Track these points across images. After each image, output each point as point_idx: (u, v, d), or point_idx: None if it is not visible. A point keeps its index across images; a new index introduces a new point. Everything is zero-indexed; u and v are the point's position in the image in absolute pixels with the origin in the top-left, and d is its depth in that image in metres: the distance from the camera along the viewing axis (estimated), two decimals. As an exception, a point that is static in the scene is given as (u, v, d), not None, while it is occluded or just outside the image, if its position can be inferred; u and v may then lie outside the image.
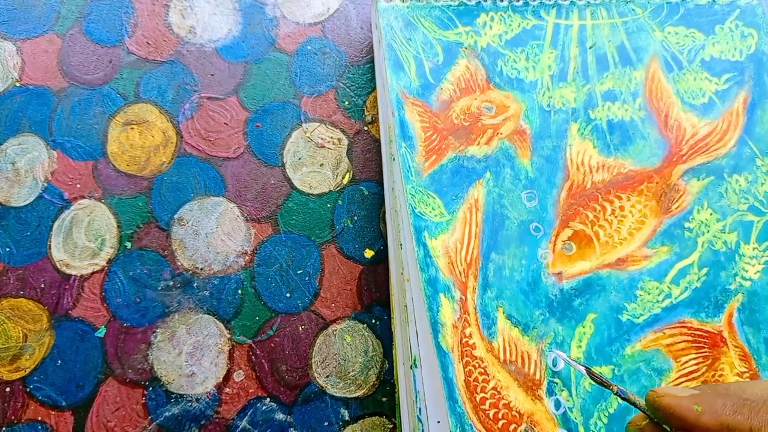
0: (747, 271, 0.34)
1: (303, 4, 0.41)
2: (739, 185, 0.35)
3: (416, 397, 0.31)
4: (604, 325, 0.33)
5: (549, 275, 0.33)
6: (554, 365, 0.32)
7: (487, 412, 0.30)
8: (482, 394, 0.30)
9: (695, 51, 0.38)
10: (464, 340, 0.31)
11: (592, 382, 0.30)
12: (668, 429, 0.25)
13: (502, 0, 0.37)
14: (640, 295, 0.33)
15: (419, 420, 0.30)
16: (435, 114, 0.35)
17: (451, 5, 0.37)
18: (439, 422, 0.30)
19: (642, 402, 0.27)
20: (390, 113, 0.35)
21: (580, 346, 0.32)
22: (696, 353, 0.32)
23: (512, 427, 0.30)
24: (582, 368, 0.29)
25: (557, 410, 0.31)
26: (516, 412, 0.30)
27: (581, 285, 0.33)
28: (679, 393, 0.24)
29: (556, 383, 0.31)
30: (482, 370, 0.31)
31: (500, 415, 0.30)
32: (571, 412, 0.31)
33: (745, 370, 0.32)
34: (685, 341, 0.32)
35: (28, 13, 0.41)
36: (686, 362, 0.32)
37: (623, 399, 0.27)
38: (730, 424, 0.22)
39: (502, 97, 0.36)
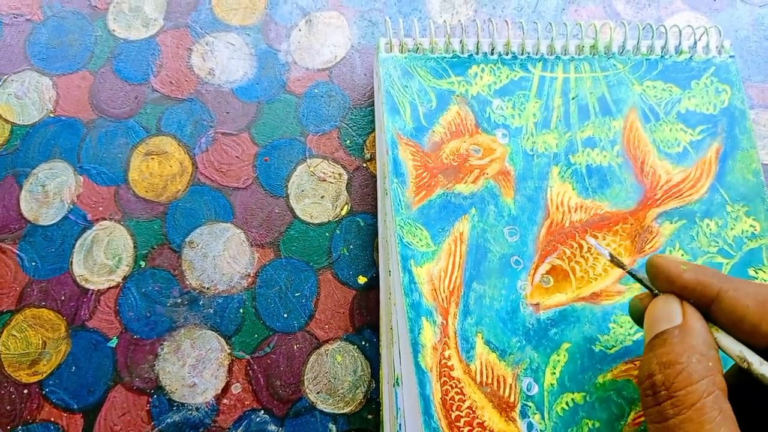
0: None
1: (313, 51, 0.45)
2: (710, 229, 0.38)
3: (397, 413, 0.33)
4: (577, 354, 0.35)
5: (527, 305, 0.36)
6: (528, 390, 0.34)
7: (461, 429, 0.32)
8: (457, 413, 0.33)
9: (672, 104, 0.41)
10: (443, 361, 0.34)
11: (563, 409, 0.32)
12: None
13: (492, 53, 0.41)
14: (613, 327, 0.35)
15: (398, 434, 0.33)
16: (426, 154, 0.38)
17: (445, 57, 0.40)
18: (415, 436, 0.32)
19: (647, 278, 0.30)
20: (385, 152, 0.38)
21: (554, 373, 0.34)
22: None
23: (484, 443, 0.32)
24: (606, 252, 0.32)
25: None
26: (489, 431, 0.33)
27: (557, 316, 0.35)
28: (674, 258, 0.29)
29: (530, 406, 0.33)
30: (458, 390, 0.33)
31: (473, 432, 0.32)
32: (542, 433, 0.33)
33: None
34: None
35: (65, 52, 0.45)
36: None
37: (633, 276, 0.31)
38: (705, 282, 0.27)
39: (489, 140, 0.39)
